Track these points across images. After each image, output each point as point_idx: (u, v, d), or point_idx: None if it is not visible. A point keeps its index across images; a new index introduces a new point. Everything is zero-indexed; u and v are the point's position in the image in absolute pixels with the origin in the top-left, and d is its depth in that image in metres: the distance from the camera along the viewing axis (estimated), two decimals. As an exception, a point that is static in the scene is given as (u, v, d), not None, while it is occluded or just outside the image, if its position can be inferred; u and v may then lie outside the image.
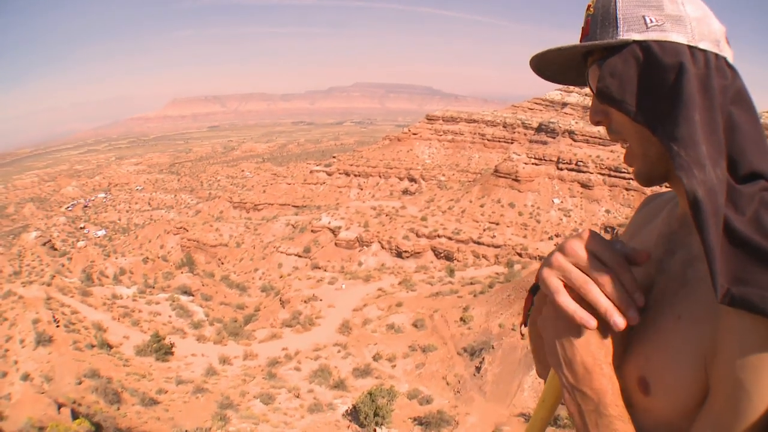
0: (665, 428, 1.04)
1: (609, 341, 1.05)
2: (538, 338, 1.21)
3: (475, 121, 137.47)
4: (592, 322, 1.00)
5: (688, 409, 0.99)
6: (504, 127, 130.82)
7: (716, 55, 1.03)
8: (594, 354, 1.03)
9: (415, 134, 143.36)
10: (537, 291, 1.19)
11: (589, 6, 1.15)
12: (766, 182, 0.99)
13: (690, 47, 1.02)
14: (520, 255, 71.07)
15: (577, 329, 1.03)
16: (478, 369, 35.86)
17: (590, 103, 1.16)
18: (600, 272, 1.01)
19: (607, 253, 1.02)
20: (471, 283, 54.43)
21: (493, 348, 36.74)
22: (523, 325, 1.42)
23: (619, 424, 1.01)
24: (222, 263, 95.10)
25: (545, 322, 1.10)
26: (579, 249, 1.03)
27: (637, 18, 1.05)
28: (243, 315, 58.15)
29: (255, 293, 72.71)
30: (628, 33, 1.05)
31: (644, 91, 1.02)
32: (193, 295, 61.59)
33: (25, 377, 31.24)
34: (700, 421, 0.95)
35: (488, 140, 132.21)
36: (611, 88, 1.05)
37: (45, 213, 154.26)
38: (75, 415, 16.69)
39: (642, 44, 1.03)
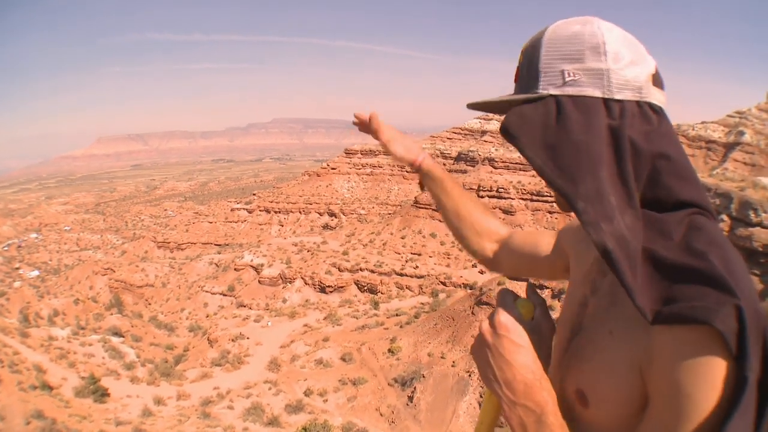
0: None
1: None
2: None
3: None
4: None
5: (626, 417, 1.03)
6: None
7: (637, 102, 1.06)
8: (533, 370, 1.08)
9: (333, 169, 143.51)
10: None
11: (521, 53, 1.19)
12: (696, 208, 1.05)
13: (605, 100, 1.05)
14: (444, 284, 71.60)
15: (515, 351, 1.09)
16: (410, 398, 36.08)
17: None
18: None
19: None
20: (396, 315, 54.79)
21: (423, 377, 37.02)
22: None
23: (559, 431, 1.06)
24: (149, 304, 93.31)
25: (478, 350, 1.16)
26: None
27: (556, 72, 1.08)
28: (173, 355, 57.26)
29: (183, 333, 71.47)
30: (546, 87, 1.09)
31: (550, 145, 1.04)
32: (123, 337, 60.47)
33: (-24, 418, 30.41)
34: (645, 426, 0.98)
35: (407, 172, 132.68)
36: (511, 126, 1.07)
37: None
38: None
39: (557, 98, 1.07)
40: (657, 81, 1.10)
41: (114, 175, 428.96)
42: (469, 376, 35.53)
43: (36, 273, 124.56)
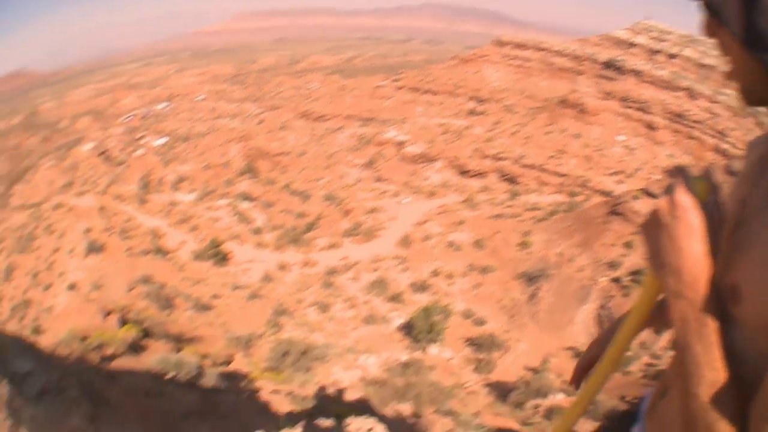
0: (755, 344, 1.00)
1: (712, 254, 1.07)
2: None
3: (544, 49, 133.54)
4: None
5: None
6: (573, 58, 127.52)
7: None
8: (703, 262, 1.04)
9: (483, 57, 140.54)
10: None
11: None
12: None
13: None
14: (583, 186, 70.53)
15: (689, 237, 1.05)
16: (533, 296, 36.13)
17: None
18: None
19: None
20: (533, 209, 54.41)
21: (550, 276, 36.93)
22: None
23: (715, 336, 1.01)
24: (285, 171, 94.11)
25: (650, 230, 1.11)
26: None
27: None
28: (304, 223, 57.34)
29: (317, 202, 71.21)
30: None
31: (755, 14, 0.95)
32: (254, 201, 61.80)
33: (72, 287, 31.60)
34: None
35: (557, 70, 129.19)
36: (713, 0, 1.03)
37: (101, 125, 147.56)
38: (124, 322, 16.53)
39: None
40: None
41: (254, 48, 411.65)
42: (593, 284, 35.15)
43: (163, 140, 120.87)
